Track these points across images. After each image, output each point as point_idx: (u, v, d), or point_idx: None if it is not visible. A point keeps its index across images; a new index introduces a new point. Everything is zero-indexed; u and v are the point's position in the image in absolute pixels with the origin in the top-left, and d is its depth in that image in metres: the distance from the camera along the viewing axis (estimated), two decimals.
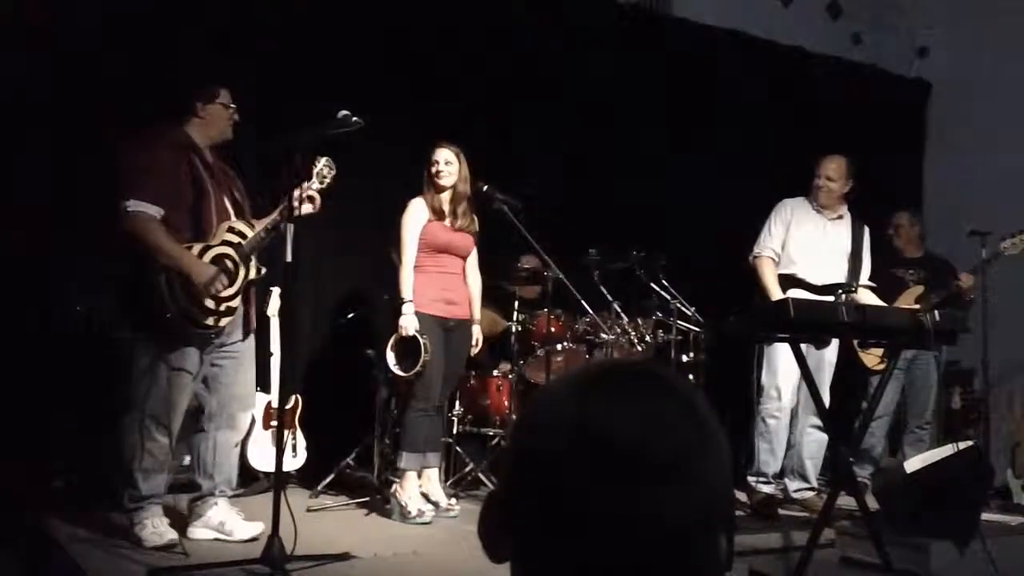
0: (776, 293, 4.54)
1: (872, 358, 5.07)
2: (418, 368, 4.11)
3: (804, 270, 4.62)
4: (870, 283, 4.70)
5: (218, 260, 3.45)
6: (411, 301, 4.18)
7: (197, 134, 3.61)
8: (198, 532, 3.57)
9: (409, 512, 4.08)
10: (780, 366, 4.57)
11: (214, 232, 3.49)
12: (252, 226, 3.62)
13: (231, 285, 3.48)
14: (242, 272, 3.52)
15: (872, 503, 3.69)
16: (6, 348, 4.03)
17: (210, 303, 3.39)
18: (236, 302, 3.52)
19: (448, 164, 4.29)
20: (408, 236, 4.26)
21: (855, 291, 4.51)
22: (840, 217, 4.76)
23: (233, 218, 3.58)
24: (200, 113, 3.61)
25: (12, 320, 4.10)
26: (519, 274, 4.94)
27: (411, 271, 4.23)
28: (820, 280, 4.56)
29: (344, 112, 3.35)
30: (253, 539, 3.47)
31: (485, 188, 4.36)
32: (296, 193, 3.57)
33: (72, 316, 4.21)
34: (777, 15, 6.88)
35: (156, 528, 3.39)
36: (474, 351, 4.48)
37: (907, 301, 5.09)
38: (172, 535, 3.39)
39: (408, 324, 4.14)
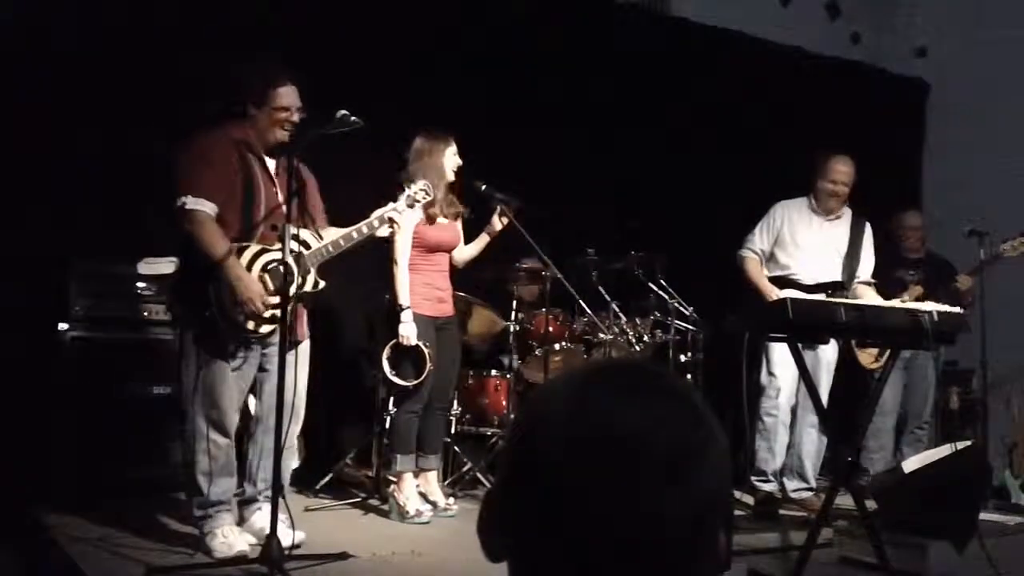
0: (765, 288, 4.58)
1: (867, 356, 5.07)
2: (421, 379, 4.09)
3: (796, 270, 4.64)
4: (871, 280, 4.70)
5: (270, 266, 3.33)
6: (410, 308, 4.09)
7: (256, 132, 3.44)
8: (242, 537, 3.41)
9: (407, 512, 4.07)
10: (777, 364, 4.59)
11: (263, 234, 3.37)
12: (320, 237, 3.52)
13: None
14: (297, 282, 3.37)
15: (871, 503, 3.69)
16: (6, 348, 4.03)
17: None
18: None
19: None
20: (403, 237, 4.13)
21: (847, 289, 4.52)
22: (838, 217, 4.76)
23: (293, 224, 3.38)
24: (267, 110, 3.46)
25: (12, 320, 4.09)
26: (518, 273, 4.93)
27: (407, 274, 4.13)
28: (813, 280, 4.57)
29: (343, 112, 3.33)
30: (295, 547, 3.35)
31: (484, 187, 4.30)
32: (378, 212, 3.63)
33: (72, 316, 4.19)
34: (776, 15, 6.87)
35: (226, 538, 3.28)
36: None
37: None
38: (242, 546, 3.27)
39: (409, 333, 4.06)
